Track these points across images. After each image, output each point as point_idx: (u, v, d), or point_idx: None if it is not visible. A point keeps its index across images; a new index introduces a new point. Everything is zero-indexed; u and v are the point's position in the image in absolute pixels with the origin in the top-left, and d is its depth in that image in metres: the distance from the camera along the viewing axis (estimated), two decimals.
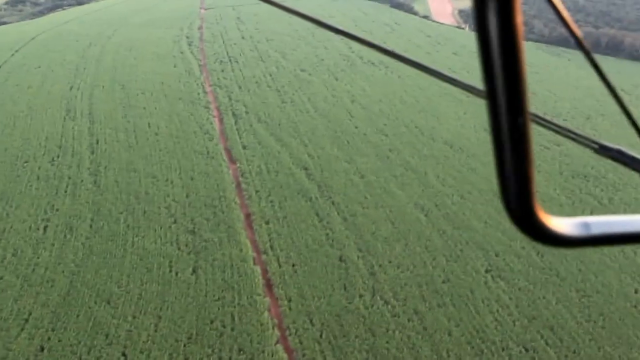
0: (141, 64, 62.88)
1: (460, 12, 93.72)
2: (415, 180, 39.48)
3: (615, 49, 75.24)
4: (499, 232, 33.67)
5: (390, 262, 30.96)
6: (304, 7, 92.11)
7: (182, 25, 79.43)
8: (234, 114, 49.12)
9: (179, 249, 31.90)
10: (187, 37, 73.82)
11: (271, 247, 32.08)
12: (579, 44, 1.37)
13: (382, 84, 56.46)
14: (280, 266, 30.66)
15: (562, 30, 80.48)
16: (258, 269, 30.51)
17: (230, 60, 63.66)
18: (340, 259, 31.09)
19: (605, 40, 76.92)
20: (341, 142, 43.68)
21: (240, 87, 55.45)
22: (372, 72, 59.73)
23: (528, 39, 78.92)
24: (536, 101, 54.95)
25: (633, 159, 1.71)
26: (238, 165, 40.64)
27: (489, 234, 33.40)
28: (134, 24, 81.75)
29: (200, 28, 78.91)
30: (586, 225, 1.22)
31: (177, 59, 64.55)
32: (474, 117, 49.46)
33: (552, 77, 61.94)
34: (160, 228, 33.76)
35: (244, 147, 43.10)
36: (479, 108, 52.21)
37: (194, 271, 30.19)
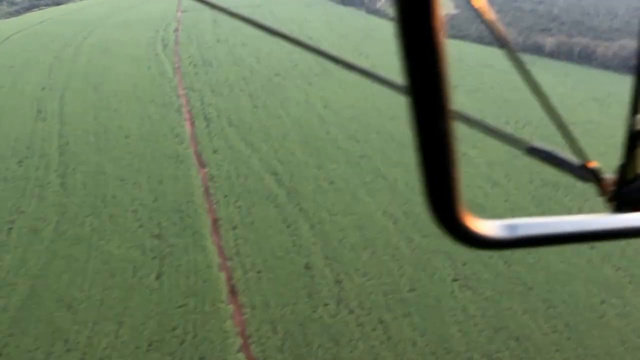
0: (115, 66, 62.28)
1: None
2: (385, 188, 39.65)
3: (587, 58, 76.58)
4: None
5: (356, 270, 31.02)
6: (280, 11, 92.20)
7: (158, 28, 78.88)
8: (205, 118, 48.87)
9: (143, 254, 31.59)
10: (163, 40, 73.33)
11: (237, 253, 31.92)
12: (504, 44, 1.35)
13: (355, 90, 56.67)
14: (245, 273, 30.52)
15: (537, 38, 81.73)
16: (223, 275, 30.33)
17: (204, 64, 63.38)
18: (306, 267, 31.06)
19: (578, 49, 78.29)
20: (312, 147, 43.75)
21: (213, 91, 55.22)
22: (346, 77, 59.88)
23: (502, 47, 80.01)
24: (508, 109, 55.73)
25: (563, 160, 1.83)
26: (207, 169, 40.41)
27: (457, 243, 33.64)
28: (110, 25, 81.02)
29: (176, 30, 78.36)
30: (512, 227, 1.25)
31: (152, 61, 64.07)
32: None
33: (525, 86, 62.68)
34: (126, 232, 33.42)
35: (214, 152, 42.88)
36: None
37: (158, 277, 29.91)
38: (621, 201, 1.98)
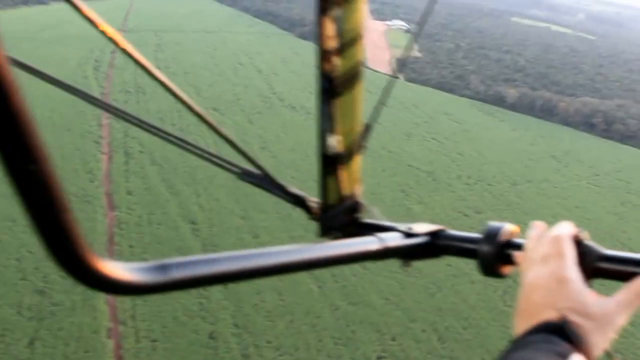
0: (34, 86, 58.74)
1: (398, 61, 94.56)
2: None
3: (549, 113, 77.02)
4: (399, 310, 31.80)
5: (269, 342, 28.35)
6: (234, 40, 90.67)
7: (94, 47, 76.09)
8: (126, 153, 46.14)
9: (19, 313, 28.26)
10: (96, 61, 70.65)
11: (132, 316, 28.90)
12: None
13: (298, 131, 54.80)
14: (138, 341, 27.51)
15: (499, 88, 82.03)
16: (111, 343, 27.21)
17: (137, 91, 60.94)
18: (211, 336, 28.24)
19: (540, 102, 78.63)
20: (240, 194, 41.21)
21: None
22: (291, 116, 58.21)
23: (463, 95, 79.82)
24: (462, 162, 54.54)
25: (274, 184, 1.89)
26: (117, 213, 37.42)
27: (387, 313, 31.42)
28: (42, 39, 77.95)
29: (113, 52, 75.84)
30: (163, 268, 1.10)
31: (78, 84, 60.42)
32: (392, 175, 48.24)
33: (482, 138, 62.10)
34: (4, 285, 29.98)
35: (129, 193, 40.02)
36: (398, 165, 51.27)
37: (31, 342, 26.58)
38: (326, 225, 2.03)
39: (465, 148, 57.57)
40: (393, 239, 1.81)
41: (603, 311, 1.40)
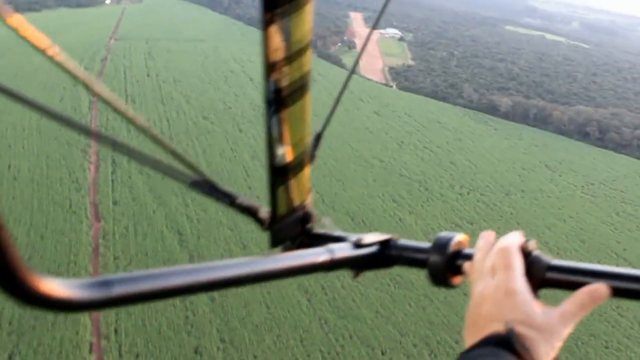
0: (22, 94, 58.48)
1: (391, 69, 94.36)
2: None
3: (543, 121, 76.82)
4: (390, 324, 31.29)
5: (255, 357, 27.75)
6: (225, 48, 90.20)
7: (84, 55, 75.65)
8: (113, 162, 45.47)
9: None
10: (86, 69, 69.85)
11: (116, 330, 28.32)
12: None
13: None
14: (121, 356, 26.87)
15: (493, 97, 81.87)
16: (93, 358, 26.59)
17: (127, 99, 60.26)
18: (196, 351, 27.69)
19: (534, 111, 78.45)
20: None
21: (129, 131, 51.92)
22: None
23: (456, 104, 79.50)
24: (455, 172, 54.21)
25: (224, 193, 1.83)
26: (102, 224, 36.83)
27: (378, 327, 30.92)
28: (30, 48, 77.06)
29: (103, 60, 75.43)
30: (105, 284, 1.10)
31: (67, 91, 60.71)
32: (383, 185, 47.79)
33: (475, 147, 61.79)
34: None
35: (115, 203, 39.46)
36: (390, 174, 50.87)
37: (9, 358, 25.90)
38: (277, 236, 2.02)
39: (458, 157, 57.24)
40: (343, 250, 1.81)
41: (549, 322, 1.40)
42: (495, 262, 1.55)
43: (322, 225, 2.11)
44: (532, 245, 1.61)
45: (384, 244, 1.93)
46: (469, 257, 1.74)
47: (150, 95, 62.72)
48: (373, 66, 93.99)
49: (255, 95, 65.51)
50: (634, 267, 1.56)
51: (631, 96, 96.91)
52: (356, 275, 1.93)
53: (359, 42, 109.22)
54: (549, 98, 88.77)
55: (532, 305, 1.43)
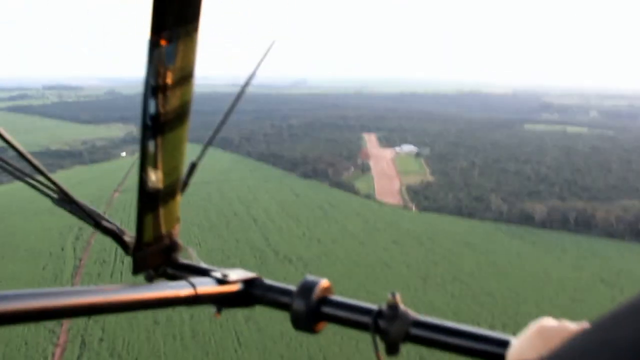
0: (5, 265, 53.26)
1: (409, 188, 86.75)
2: None
3: (586, 225, 67.13)
4: None
5: None
6: (231, 189, 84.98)
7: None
8: (83, 342, 38.11)
9: None
10: (80, 229, 64.41)
11: None
12: None
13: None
14: None
15: (524, 205, 73.02)
16: None
17: (115, 260, 53.64)
18: None
19: (574, 215, 69.02)
20: None
21: None
22: (286, 270, 49.91)
23: (485, 218, 70.70)
24: (493, 306, 44.86)
25: (88, 214, 1.81)
26: None
27: None
28: (28, 210, 72.26)
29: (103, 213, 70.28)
30: None
31: (53, 257, 55.53)
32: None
33: (513, 269, 52.46)
34: None
35: None
36: None
37: None
38: (140, 263, 1.97)
39: (495, 286, 47.92)
40: (206, 285, 1.74)
41: None
42: None
43: (187, 256, 2.01)
44: (397, 298, 1.63)
45: (249, 283, 1.87)
46: (333, 303, 1.72)
47: None
48: (390, 188, 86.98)
49: (258, 239, 59.31)
50: None
51: None
52: (218, 311, 1.86)
53: (374, 164, 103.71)
54: (587, 196, 79.44)
55: None
